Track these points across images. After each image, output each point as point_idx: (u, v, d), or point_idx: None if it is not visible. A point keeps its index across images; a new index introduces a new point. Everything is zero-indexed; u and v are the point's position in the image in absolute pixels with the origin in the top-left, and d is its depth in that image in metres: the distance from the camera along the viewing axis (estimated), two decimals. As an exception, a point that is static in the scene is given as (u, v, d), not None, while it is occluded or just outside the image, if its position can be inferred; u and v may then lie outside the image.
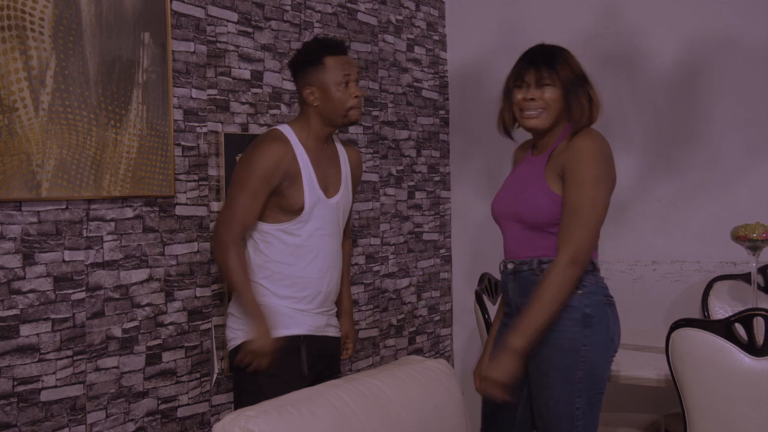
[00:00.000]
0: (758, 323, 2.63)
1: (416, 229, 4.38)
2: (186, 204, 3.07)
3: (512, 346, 2.49)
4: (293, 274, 2.75)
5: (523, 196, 2.61)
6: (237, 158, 3.17)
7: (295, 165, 2.73)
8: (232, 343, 2.78)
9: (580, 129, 2.57)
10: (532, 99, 2.59)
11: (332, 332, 2.87)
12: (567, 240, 2.49)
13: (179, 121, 3.04)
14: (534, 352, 2.55)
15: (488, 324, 3.50)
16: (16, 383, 2.53)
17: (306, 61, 2.79)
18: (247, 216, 2.71)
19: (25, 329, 2.56)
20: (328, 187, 2.82)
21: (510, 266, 2.65)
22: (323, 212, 2.78)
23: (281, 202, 2.73)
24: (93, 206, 2.75)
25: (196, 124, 3.11)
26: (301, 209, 2.74)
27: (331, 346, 2.87)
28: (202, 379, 3.14)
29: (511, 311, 2.67)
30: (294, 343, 2.74)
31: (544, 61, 2.59)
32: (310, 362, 2.75)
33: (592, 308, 2.53)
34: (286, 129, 2.79)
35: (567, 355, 2.52)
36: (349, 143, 3.13)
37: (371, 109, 4.04)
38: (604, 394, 2.60)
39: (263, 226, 2.75)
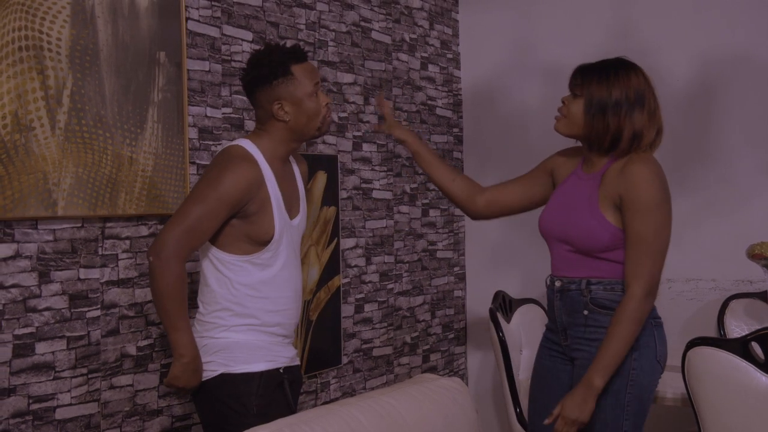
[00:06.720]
0: (775, 342, 2.61)
1: (430, 247, 4.38)
2: (200, 222, 3.08)
3: (594, 384, 2.45)
4: (264, 307, 2.50)
5: (574, 221, 2.55)
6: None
7: (264, 191, 2.47)
8: (207, 374, 2.48)
9: (628, 152, 2.51)
10: (563, 102, 2.61)
11: (297, 361, 2.66)
12: (638, 272, 2.45)
13: (194, 140, 3.06)
14: (582, 375, 2.51)
15: (503, 342, 3.49)
16: (31, 401, 2.54)
17: (272, 73, 2.50)
18: (200, 235, 2.41)
19: (41, 347, 2.57)
20: (291, 208, 2.58)
21: (557, 284, 2.61)
22: (290, 236, 2.55)
23: (250, 231, 2.47)
24: (108, 224, 2.77)
25: (211, 143, 3.13)
26: (270, 239, 2.48)
27: (299, 375, 2.68)
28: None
29: (556, 327, 2.65)
30: (276, 377, 2.51)
31: (588, 70, 2.57)
32: (292, 395, 2.54)
33: (641, 331, 2.50)
34: (251, 147, 2.50)
35: (616, 379, 2.49)
36: (295, 152, 2.74)
37: (385, 127, 4.05)
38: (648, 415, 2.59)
39: (226, 257, 2.48)
